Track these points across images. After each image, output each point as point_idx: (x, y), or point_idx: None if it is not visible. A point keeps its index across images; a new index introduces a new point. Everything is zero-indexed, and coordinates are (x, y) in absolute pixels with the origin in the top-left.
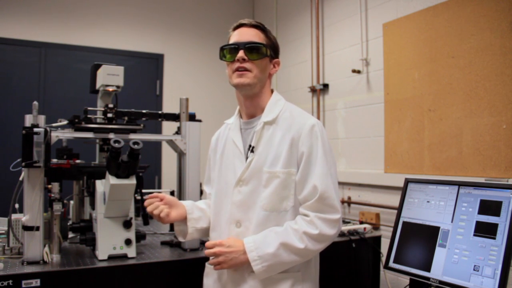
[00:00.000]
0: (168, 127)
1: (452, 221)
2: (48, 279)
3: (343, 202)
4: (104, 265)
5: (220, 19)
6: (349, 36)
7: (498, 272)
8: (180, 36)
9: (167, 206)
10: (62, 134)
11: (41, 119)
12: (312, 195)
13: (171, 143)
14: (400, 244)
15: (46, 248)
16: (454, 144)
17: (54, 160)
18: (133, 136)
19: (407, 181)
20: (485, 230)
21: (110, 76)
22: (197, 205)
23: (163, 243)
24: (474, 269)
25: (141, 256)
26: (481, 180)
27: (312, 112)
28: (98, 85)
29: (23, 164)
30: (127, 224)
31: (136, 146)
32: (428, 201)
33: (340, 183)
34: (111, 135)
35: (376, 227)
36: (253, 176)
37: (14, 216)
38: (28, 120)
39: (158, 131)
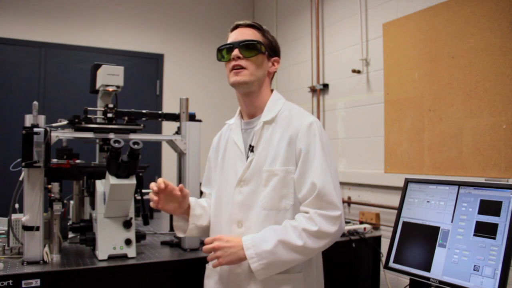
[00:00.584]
0: (168, 127)
1: (452, 221)
2: (48, 279)
3: (343, 202)
4: (104, 265)
5: (220, 19)
6: (349, 36)
7: (498, 272)
8: (180, 36)
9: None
10: (62, 134)
11: (41, 119)
12: (311, 192)
13: (171, 143)
14: (400, 244)
15: (46, 248)
16: (454, 144)
17: (54, 160)
18: (133, 136)
19: (407, 181)
20: (485, 230)
21: (110, 76)
22: (199, 202)
23: (163, 243)
24: (474, 269)
25: (141, 256)
26: (481, 180)
27: (312, 112)
28: (98, 85)
29: (23, 164)
30: (127, 224)
31: (136, 146)
32: (428, 201)
33: (340, 183)
34: (111, 135)
35: (376, 227)
36: (254, 176)
37: (14, 216)
38: (28, 120)
39: (158, 131)
